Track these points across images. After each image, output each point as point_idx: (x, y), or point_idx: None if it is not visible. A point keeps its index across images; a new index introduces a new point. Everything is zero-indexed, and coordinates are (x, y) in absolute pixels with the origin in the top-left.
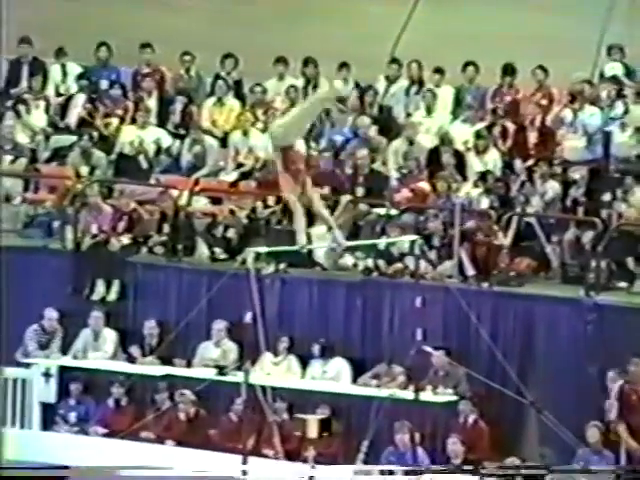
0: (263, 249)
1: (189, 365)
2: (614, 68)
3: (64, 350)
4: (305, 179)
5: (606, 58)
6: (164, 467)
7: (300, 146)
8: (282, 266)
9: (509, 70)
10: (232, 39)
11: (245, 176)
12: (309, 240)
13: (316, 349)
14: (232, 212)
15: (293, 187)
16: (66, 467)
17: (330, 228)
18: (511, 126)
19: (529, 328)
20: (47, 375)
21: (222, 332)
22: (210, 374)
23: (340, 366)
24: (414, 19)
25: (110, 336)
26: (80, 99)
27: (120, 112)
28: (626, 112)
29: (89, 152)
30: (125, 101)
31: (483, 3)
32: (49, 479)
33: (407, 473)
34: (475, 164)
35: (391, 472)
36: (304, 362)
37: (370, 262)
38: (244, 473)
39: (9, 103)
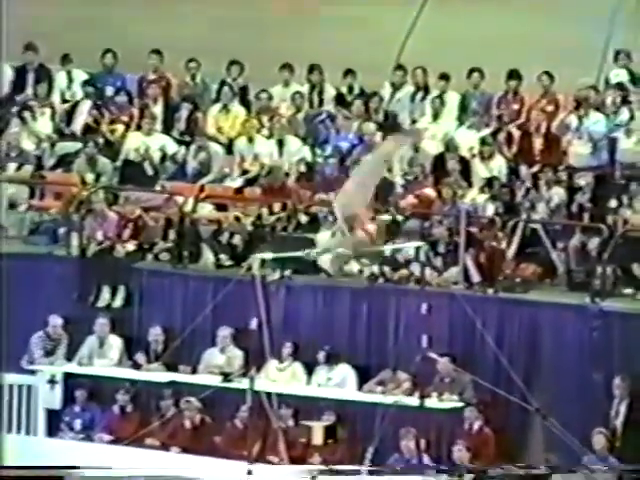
0: (269, 255)
1: (194, 372)
2: (619, 75)
3: (69, 357)
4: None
5: (612, 64)
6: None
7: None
8: (287, 273)
9: (514, 76)
10: (237, 46)
11: (250, 183)
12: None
13: (321, 356)
14: (237, 219)
15: None
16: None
17: (334, 234)
18: (516, 132)
19: (535, 334)
20: (52, 382)
21: (227, 339)
22: (215, 381)
23: (345, 373)
24: (419, 25)
25: (115, 343)
26: (86, 106)
27: (126, 119)
28: (632, 118)
29: (95, 159)
30: (131, 108)
31: (488, 9)
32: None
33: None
34: (480, 170)
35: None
36: (309, 369)
37: (375, 269)
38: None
39: (15, 110)
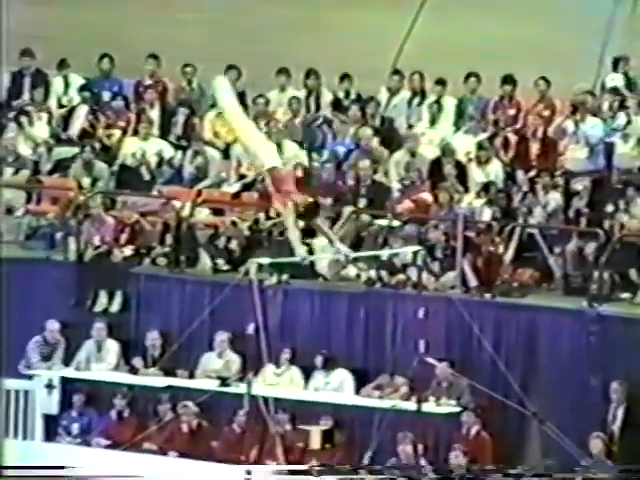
0: (266, 260)
1: (192, 376)
2: (615, 79)
3: (67, 362)
4: None
5: (608, 69)
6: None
7: None
8: (285, 277)
9: (509, 81)
10: (234, 50)
11: (247, 187)
12: (311, 251)
13: (319, 360)
14: (234, 223)
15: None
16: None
17: (331, 240)
18: (513, 137)
19: (532, 339)
20: (50, 386)
21: (225, 343)
22: (213, 385)
23: (343, 377)
24: (416, 31)
25: (113, 347)
26: (82, 111)
27: (122, 124)
28: (629, 123)
29: (91, 163)
30: (127, 113)
31: (485, 15)
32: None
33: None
34: (477, 175)
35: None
36: (307, 373)
37: (373, 273)
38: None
39: (11, 115)
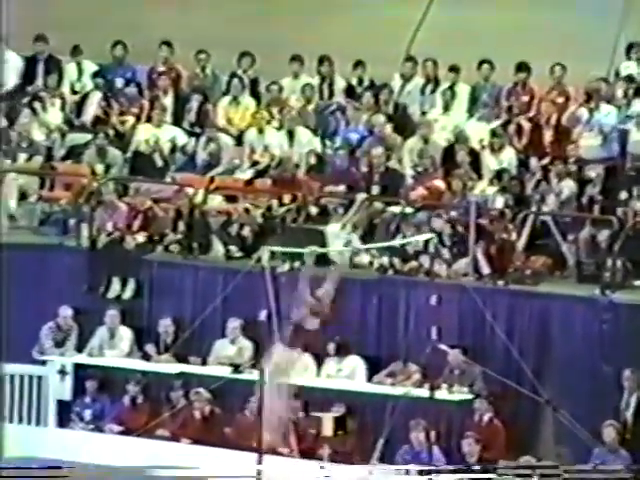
0: (278, 248)
1: (204, 363)
2: (629, 67)
3: (80, 348)
4: None
5: (623, 57)
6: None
7: None
8: (297, 264)
9: (523, 68)
10: (247, 37)
11: (260, 174)
12: (324, 238)
13: (331, 347)
14: (247, 210)
15: None
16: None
17: (344, 226)
18: (526, 124)
19: (545, 326)
20: (63, 373)
21: (237, 330)
22: (225, 372)
23: (355, 364)
24: (429, 17)
25: (126, 334)
26: (96, 97)
27: (136, 110)
28: None
29: (104, 150)
30: (141, 99)
31: (498, 2)
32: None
33: (421, 473)
34: (490, 162)
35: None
36: (319, 360)
37: (385, 260)
38: (258, 473)
39: (25, 100)
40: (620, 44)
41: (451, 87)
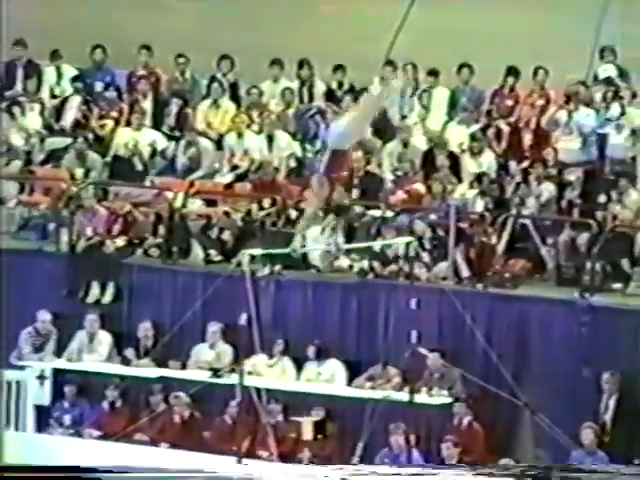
0: (258, 251)
1: (184, 367)
2: (607, 70)
3: (58, 353)
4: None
5: (599, 60)
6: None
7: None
8: (277, 268)
9: (512, 72)
10: (227, 41)
11: (240, 178)
12: (304, 242)
13: (311, 351)
14: (227, 214)
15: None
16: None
17: (324, 229)
18: (506, 128)
19: (524, 330)
20: (41, 378)
21: (217, 334)
22: (205, 376)
23: (335, 368)
24: (409, 20)
25: (105, 338)
26: (75, 101)
27: (115, 114)
28: (622, 114)
29: (84, 154)
30: (120, 103)
31: (477, 5)
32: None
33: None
34: (470, 166)
35: None
36: (299, 364)
37: (365, 264)
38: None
39: (3, 105)
40: (598, 47)
41: (430, 91)
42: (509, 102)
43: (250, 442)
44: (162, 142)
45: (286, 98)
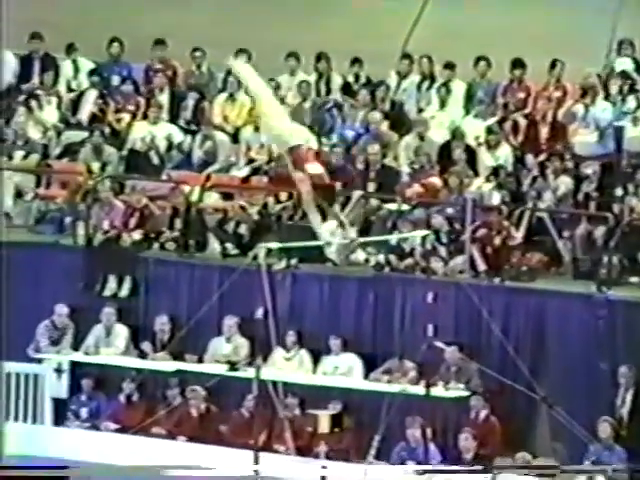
0: (275, 245)
1: (200, 361)
2: (624, 63)
3: (76, 346)
4: None
5: (616, 53)
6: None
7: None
8: (293, 262)
9: (518, 64)
10: (244, 34)
11: (256, 171)
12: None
13: (337, 343)
14: (243, 208)
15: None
16: (65, 467)
17: (341, 223)
18: (522, 121)
19: (541, 323)
20: (59, 371)
21: (233, 328)
22: (221, 370)
23: (352, 362)
24: (425, 14)
25: (122, 332)
26: (92, 95)
27: (132, 108)
28: (639, 107)
29: (100, 148)
30: (137, 97)
31: None
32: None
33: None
34: (487, 159)
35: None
36: (316, 358)
37: (381, 257)
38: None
39: (21, 98)
40: (615, 40)
41: (446, 84)
42: (521, 94)
43: (267, 436)
44: (178, 136)
45: (302, 91)
